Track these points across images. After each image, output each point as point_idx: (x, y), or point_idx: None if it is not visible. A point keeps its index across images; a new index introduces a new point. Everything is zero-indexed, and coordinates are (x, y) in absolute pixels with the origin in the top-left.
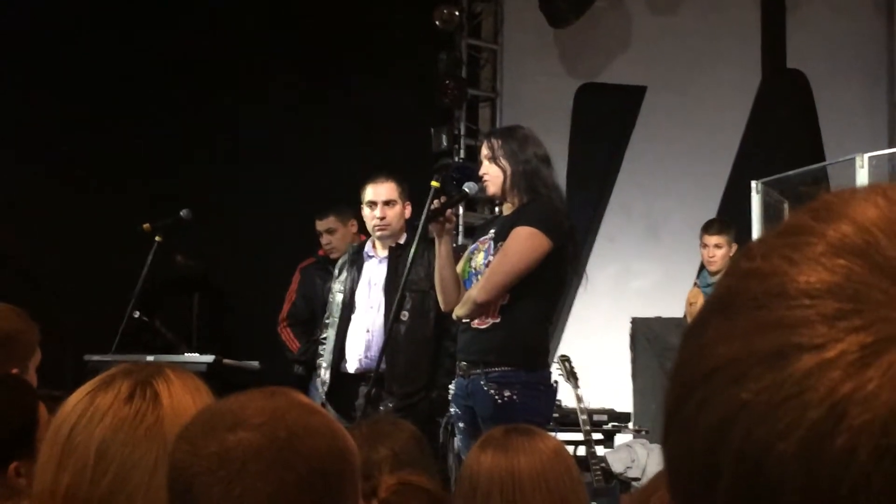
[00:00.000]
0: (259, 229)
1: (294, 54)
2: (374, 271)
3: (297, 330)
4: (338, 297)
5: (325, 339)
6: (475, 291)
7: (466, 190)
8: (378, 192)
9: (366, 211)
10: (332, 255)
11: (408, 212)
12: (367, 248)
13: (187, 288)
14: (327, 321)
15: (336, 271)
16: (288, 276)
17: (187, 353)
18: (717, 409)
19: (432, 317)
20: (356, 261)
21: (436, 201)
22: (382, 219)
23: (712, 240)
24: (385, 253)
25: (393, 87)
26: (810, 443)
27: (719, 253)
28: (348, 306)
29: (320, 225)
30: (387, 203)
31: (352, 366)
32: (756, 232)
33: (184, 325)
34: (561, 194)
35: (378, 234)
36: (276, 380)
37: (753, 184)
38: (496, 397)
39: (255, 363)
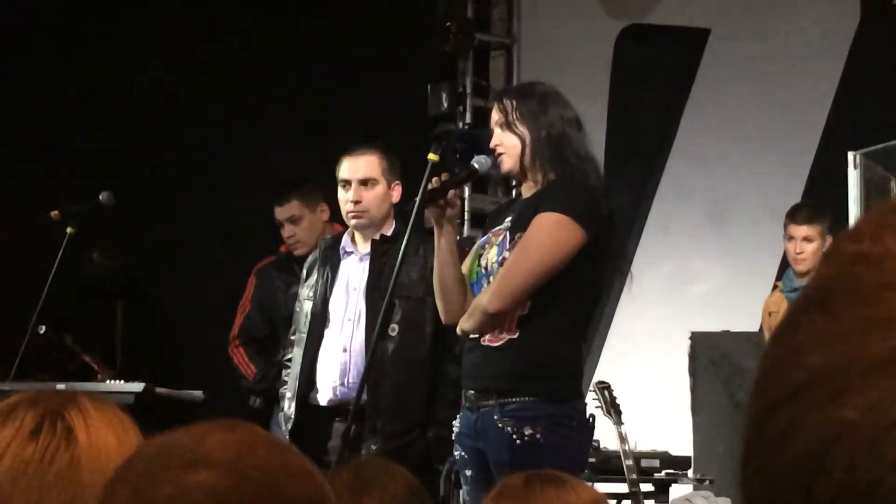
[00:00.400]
0: (203, 218)
1: None
2: (354, 272)
3: (253, 349)
4: (306, 307)
5: (289, 361)
6: (486, 298)
7: (475, 166)
8: (353, 167)
9: (340, 193)
10: (298, 252)
11: (396, 194)
12: (345, 241)
13: (108, 295)
14: (293, 337)
15: (304, 272)
16: (240, 280)
17: (109, 379)
18: (810, 431)
19: (429, 332)
20: (330, 258)
21: (434, 180)
22: (357, 202)
23: (800, 231)
24: (367, 248)
25: (379, 30)
26: None
27: (809, 248)
28: (320, 318)
29: (280, 213)
30: (364, 182)
31: (324, 396)
32: (855, 218)
33: (104, 343)
34: (597, 169)
35: (353, 222)
36: (225, 414)
37: (851, 156)
38: (514, 436)
39: (198, 393)
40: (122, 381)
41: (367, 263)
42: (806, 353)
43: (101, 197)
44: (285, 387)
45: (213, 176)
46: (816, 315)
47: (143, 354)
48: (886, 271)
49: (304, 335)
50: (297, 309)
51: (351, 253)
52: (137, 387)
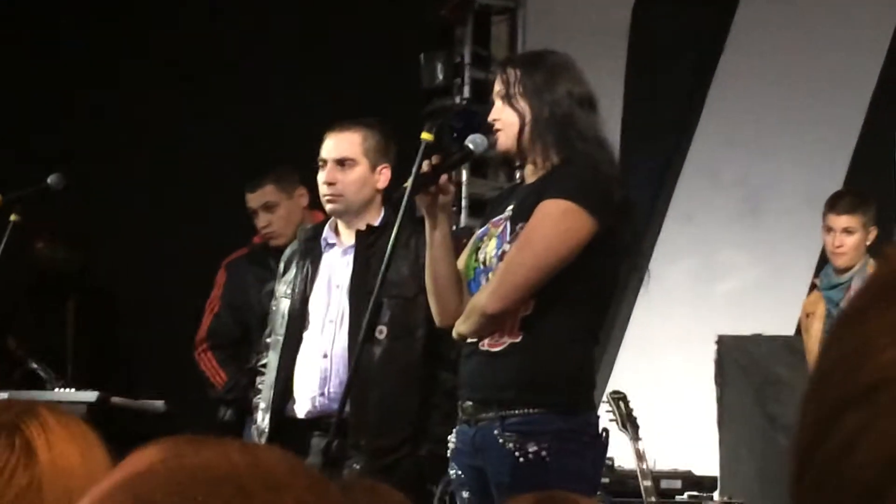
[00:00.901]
0: (166, 204)
1: None
2: (337, 267)
3: (223, 354)
4: (283, 305)
5: (264, 366)
6: (484, 297)
7: (469, 146)
8: (331, 145)
9: (319, 174)
10: (274, 243)
11: (383, 179)
12: (326, 232)
13: (57, 290)
14: (268, 340)
15: (281, 266)
16: (208, 275)
17: (58, 388)
18: (884, 439)
19: (421, 335)
20: (310, 251)
21: (426, 162)
22: (331, 185)
23: (840, 221)
24: (352, 240)
25: None
26: None
27: (849, 240)
28: (298, 319)
29: (253, 199)
30: (340, 162)
31: (302, 407)
32: None
33: (53, 346)
34: (610, 153)
35: (328, 207)
36: (191, 427)
37: None
38: (517, 454)
39: (160, 403)
40: (73, 390)
41: (351, 257)
42: (878, 349)
43: (49, 180)
44: (259, 396)
45: (179, 158)
46: (889, 305)
47: (97, 360)
48: None
49: (281, 338)
50: (273, 308)
51: (333, 245)
52: (90, 396)
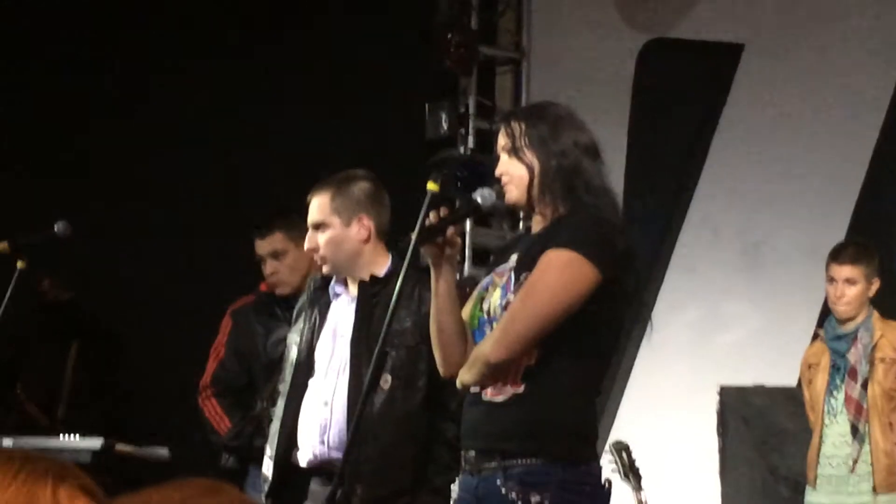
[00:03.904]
0: (172, 250)
1: None
2: (343, 316)
3: (227, 401)
4: (292, 354)
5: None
6: (488, 346)
7: (478, 200)
8: (309, 211)
9: None
10: (279, 291)
11: (363, 230)
12: (334, 282)
13: (61, 332)
14: (280, 387)
15: (294, 315)
16: (213, 322)
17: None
18: None
19: (422, 384)
20: (318, 300)
21: (432, 214)
22: (313, 251)
23: (843, 272)
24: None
25: (370, 42)
26: None
27: (851, 291)
28: (304, 367)
29: (262, 246)
30: (316, 227)
31: (304, 456)
32: None
33: (51, 388)
34: (614, 203)
35: (323, 270)
36: (194, 474)
37: None
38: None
39: (164, 450)
40: (78, 437)
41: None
42: None
43: (56, 227)
44: (267, 443)
45: (185, 204)
46: None
47: (97, 404)
48: None
49: (289, 386)
50: (286, 356)
51: (340, 295)
52: (95, 443)
